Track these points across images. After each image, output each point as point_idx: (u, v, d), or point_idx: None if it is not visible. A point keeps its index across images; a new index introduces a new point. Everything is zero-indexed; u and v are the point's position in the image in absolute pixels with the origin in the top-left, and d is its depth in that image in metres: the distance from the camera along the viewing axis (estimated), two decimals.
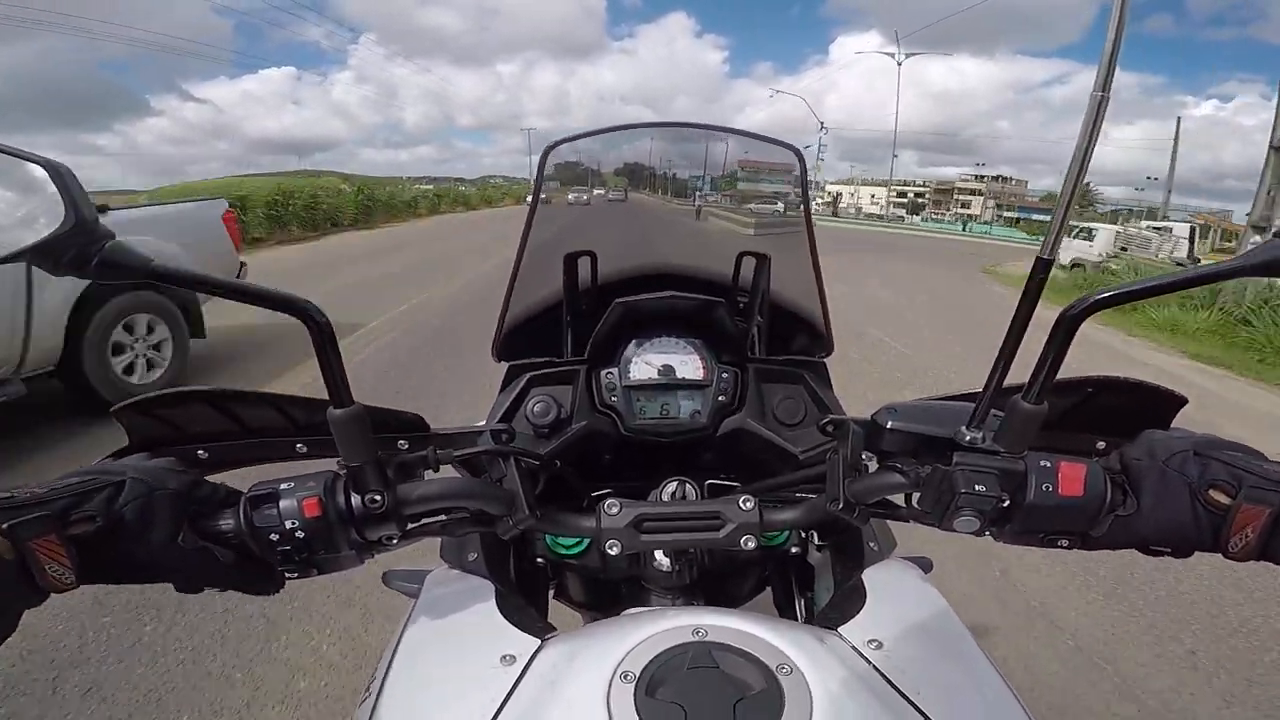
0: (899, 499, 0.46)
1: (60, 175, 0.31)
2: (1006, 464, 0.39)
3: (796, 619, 0.67)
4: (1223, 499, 0.37)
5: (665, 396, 0.68)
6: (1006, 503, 0.39)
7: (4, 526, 0.31)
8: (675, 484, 0.64)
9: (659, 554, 0.61)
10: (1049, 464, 0.39)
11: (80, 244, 0.31)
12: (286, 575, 0.42)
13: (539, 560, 0.66)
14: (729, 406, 0.67)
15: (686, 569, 0.61)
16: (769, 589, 0.73)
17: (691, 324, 0.70)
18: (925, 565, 0.60)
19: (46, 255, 0.31)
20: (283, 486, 0.40)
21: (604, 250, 0.75)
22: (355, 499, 0.41)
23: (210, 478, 0.42)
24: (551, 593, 0.72)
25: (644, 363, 0.68)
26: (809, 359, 0.71)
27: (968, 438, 0.40)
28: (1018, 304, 0.36)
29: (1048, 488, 0.39)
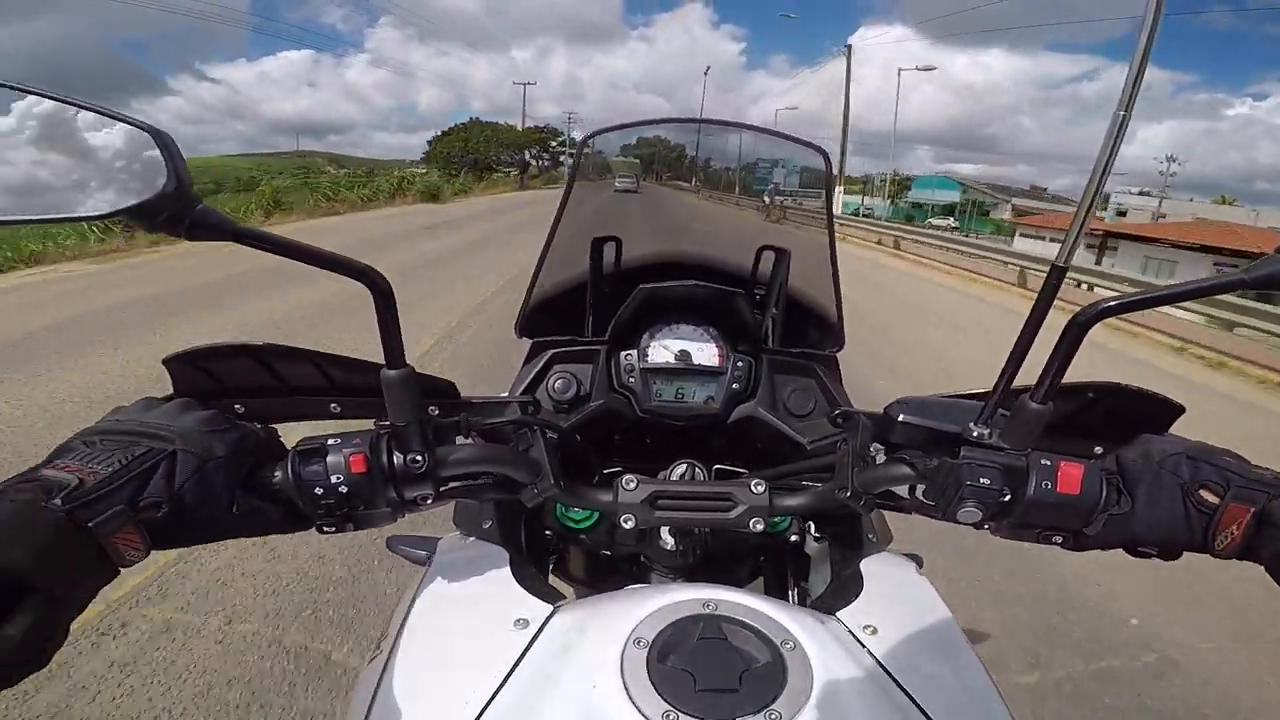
0: (903, 490, 0.48)
1: (164, 141, 0.33)
2: (1010, 460, 0.41)
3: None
4: (1211, 498, 0.39)
5: (680, 381, 0.71)
6: (1008, 497, 0.41)
7: (88, 525, 0.33)
8: (685, 466, 0.67)
9: (664, 533, 0.63)
10: (1049, 463, 0.41)
11: (175, 207, 0.33)
12: (324, 529, 0.44)
13: (547, 532, 0.69)
14: (741, 394, 0.70)
15: (690, 549, 0.64)
16: (761, 577, 0.76)
17: (710, 313, 0.73)
18: (918, 562, 0.62)
19: (144, 215, 0.33)
20: (330, 442, 0.42)
21: (629, 236, 0.78)
22: (398, 458, 0.43)
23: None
24: (551, 568, 0.74)
25: (662, 347, 0.71)
26: (821, 353, 0.73)
27: (975, 433, 0.42)
28: (1032, 307, 0.38)
29: (1047, 485, 0.41)
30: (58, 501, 0.32)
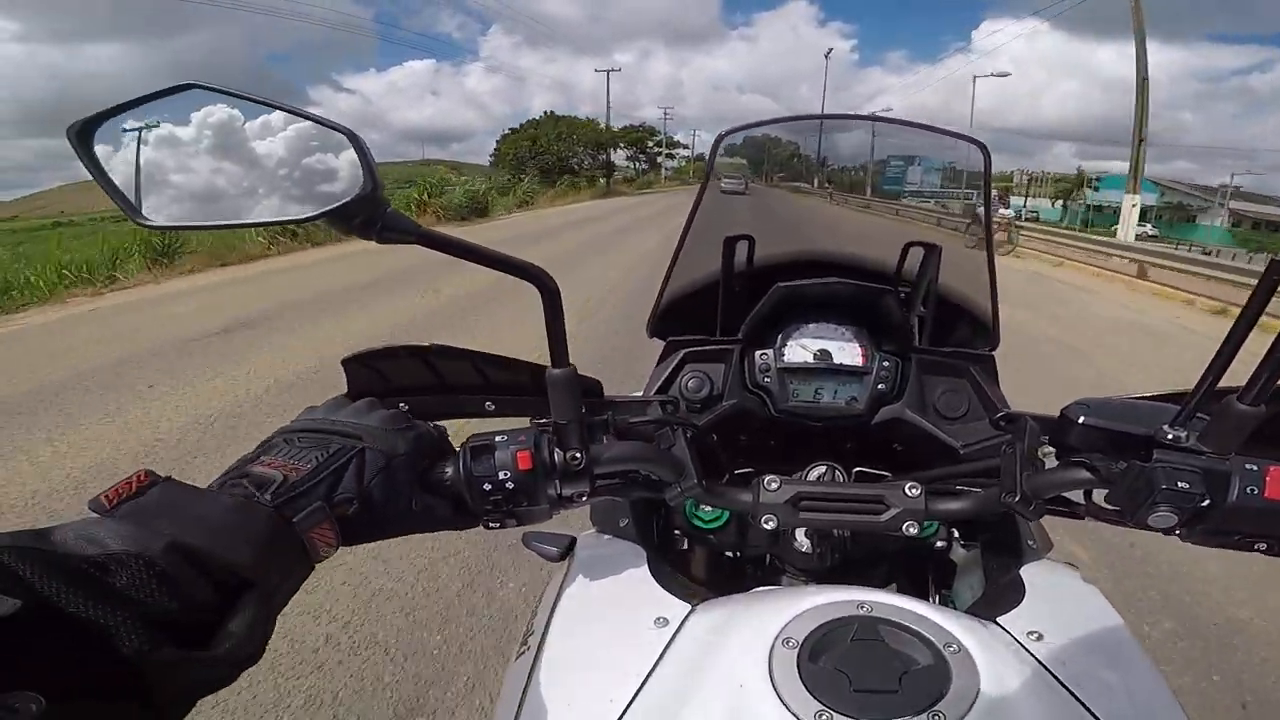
0: (1075, 496, 0.49)
1: (360, 145, 0.39)
2: (1211, 464, 0.42)
3: None
4: None
5: (819, 381, 0.74)
6: (1206, 503, 0.42)
7: (293, 520, 0.38)
8: (824, 468, 0.70)
9: (800, 535, 0.66)
10: (1256, 467, 0.42)
11: (370, 210, 0.38)
12: (489, 525, 0.51)
13: (676, 531, 0.74)
14: (887, 395, 0.73)
15: (827, 552, 0.66)
16: (894, 584, 0.77)
17: (852, 311, 0.76)
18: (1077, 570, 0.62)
19: (342, 217, 0.38)
20: (498, 439, 0.49)
21: (762, 235, 0.83)
22: (558, 455, 0.49)
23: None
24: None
25: (800, 346, 0.75)
26: (976, 352, 0.75)
27: (1170, 435, 0.43)
28: (1246, 302, 0.38)
29: (1253, 490, 0.41)
30: (268, 497, 0.37)
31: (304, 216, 0.41)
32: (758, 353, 0.75)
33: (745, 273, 0.83)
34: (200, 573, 0.32)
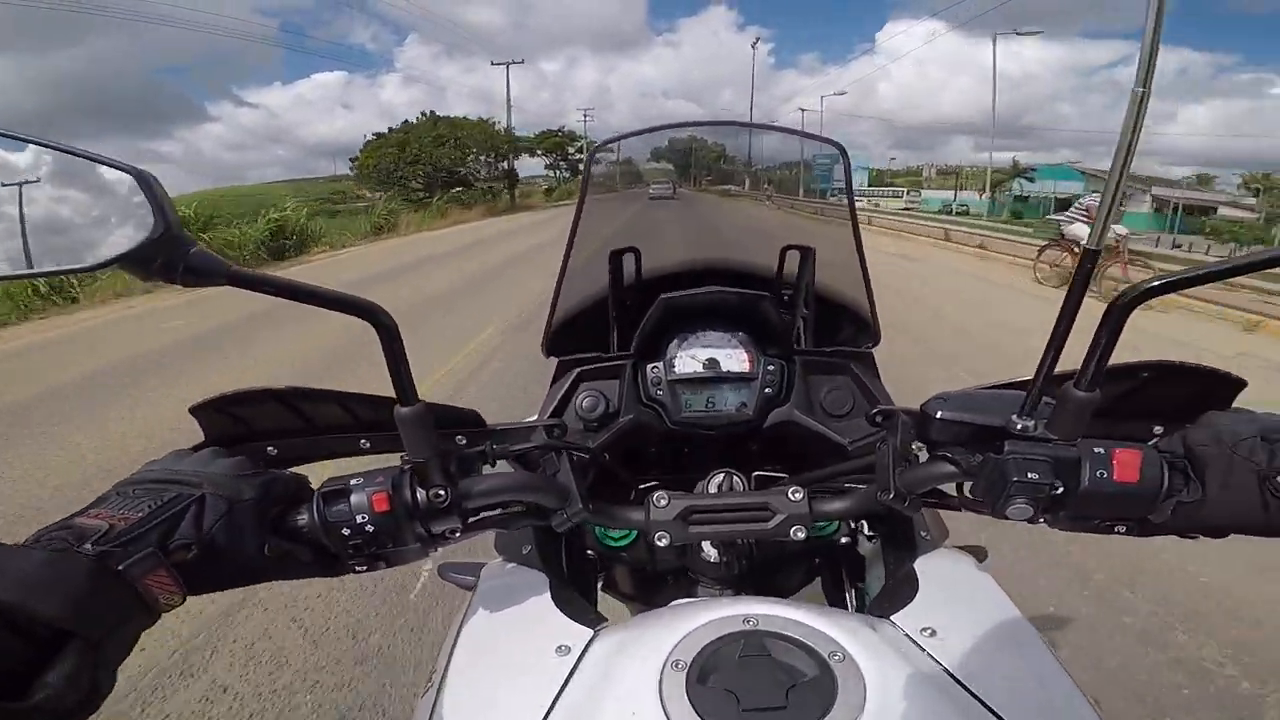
0: (950, 488, 0.53)
1: (148, 183, 0.39)
2: (1059, 451, 0.46)
3: (847, 609, 0.78)
4: None
5: (711, 390, 0.80)
6: (1060, 490, 0.46)
7: (119, 569, 0.39)
8: (722, 476, 0.75)
9: (707, 545, 0.71)
10: (1103, 450, 0.46)
11: (168, 251, 0.38)
12: (356, 569, 0.53)
13: (588, 552, 0.78)
14: (775, 399, 0.79)
15: (735, 560, 0.71)
16: (819, 580, 0.84)
17: (736, 317, 0.82)
18: (980, 555, 0.68)
19: (137, 263, 0.38)
20: (353, 482, 0.50)
21: (648, 246, 0.89)
22: (420, 494, 0.51)
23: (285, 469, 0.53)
24: (600, 585, 0.84)
25: (689, 357, 0.80)
26: (856, 350, 0.82)
27: (1019, 425, 0.47)
28: (1066, 292, 0.44)
29: (1102, 474, 0.45)
30: (88, 547, 0.39)
31: (93, 264, 0.41)
32: (649, 366, 0.81)
33: (635, 285, 0.88)
34: (8, 627, 0.34)
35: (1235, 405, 0.53)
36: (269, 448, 0.59)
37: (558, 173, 54.04)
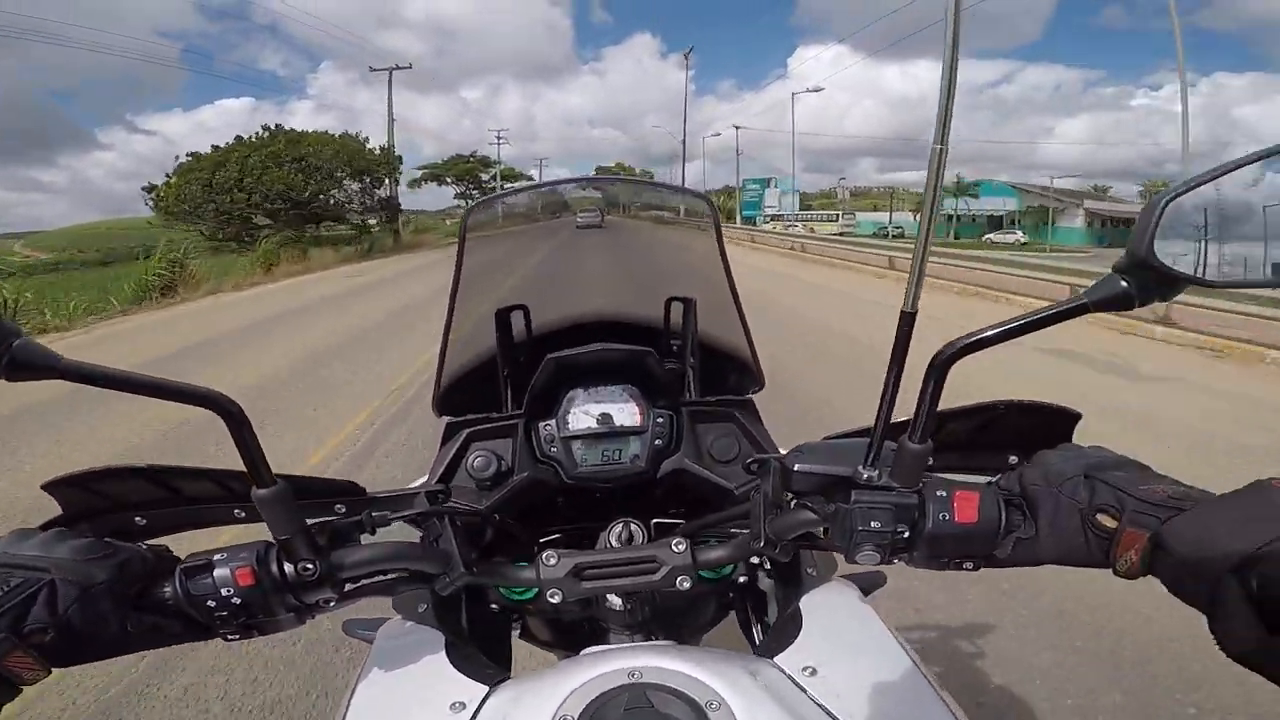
0: (819, 530, 0.61)
1: None
2: (902, 498, 0.54)
3: (755, 645, 0.87)
4: (1109, 523, 0.51)
5: (605, 443, 0.88)
6: (906, 533, 0.54)
7: None
8: (621, 526, 0.83)
9: (611, 595, 0.77)
10: (945, 493, 0.54)
11: None
12: (227, 637, 0.57)
13: (493, 606, 0.85)
14: (666, 449, 0.88)
15: (639, 607, 0.79)
16: (733, 613, 0.93)
17: (625, 371, 0.90)
18: (872, 581, 0.80)
19: None
20: (216, 557, 0.55)
21: (536, 302, 0.98)
22: (288, 568, 0.56)
23: (151, 541, 0.58)
24: (518, 632, 0.91)
25: (582, 413, 0.89)
26: (738, 398, 0.93)
27: (865, 476, 0.55)
28: (891, 353, 0.51)
29: (945, 516, 0.54)
30: None
31: None
32: (541, 424, 0.88)
33: (525, 342, 0.96)
34: None
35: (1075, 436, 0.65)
36: (137, 518, 0.64)
37: (469, 201, 52.07)
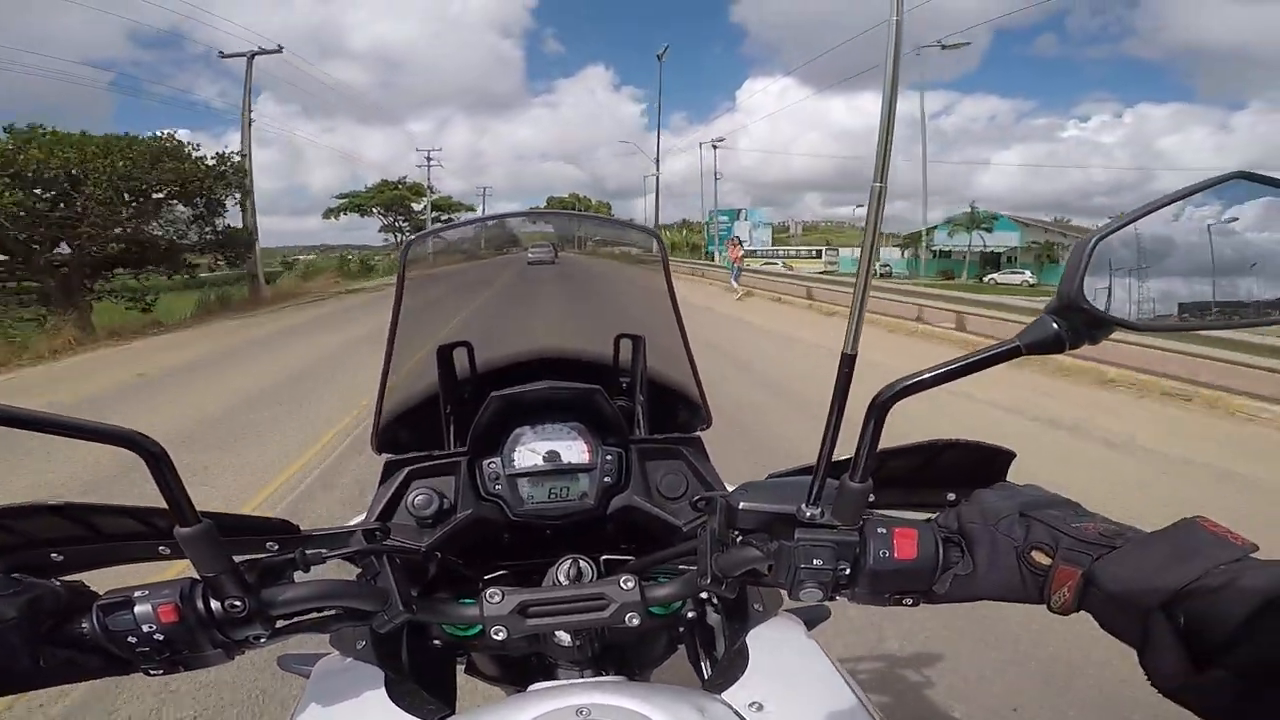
0: (764, 567, 0.67)
1: None
2: (843, 536, 0.60)
3: (704, 680, 0.93)
4: (1043, 560, 0.58)
5: (553, 480, 0.95)
6: (847, 570, 0.61)
7: None
8: (569, 563, 0.89)
9: (559, 631, 0.83)
10: (885, 530, 0.61)
11: None
12: (150, 672, 0.62)
13: (435, 642, 0.90)
14: (616, 485, 0.96)
15: (587, 643, 0.85)
16: (682, 647, 1.01)
17: (573, 408, 0.98)
18: (817, 615, 0.89)
19: None
20: (137, 594, 0.60)
21: (480, 338, 1.06)
22: (215, 604, 0.61)
23: (68, 577, 0.63)
24: (463, 667, 0.97)
25: (529, 450, 0.96)
26: (686, 435, 1.02)
27: (808, 514, 0.61)
28: (832, 395, 0.57)
29: (884, 554, 0.61)
30: None
31: None
32: (486, 462, 0.95)
33: (469, 379, 1.05)
34: None
35: (1009, 474, 0.73)
36: (53, 554, 0.68)
37: (398, 235, 50.43)
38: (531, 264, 1.39)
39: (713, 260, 40.84)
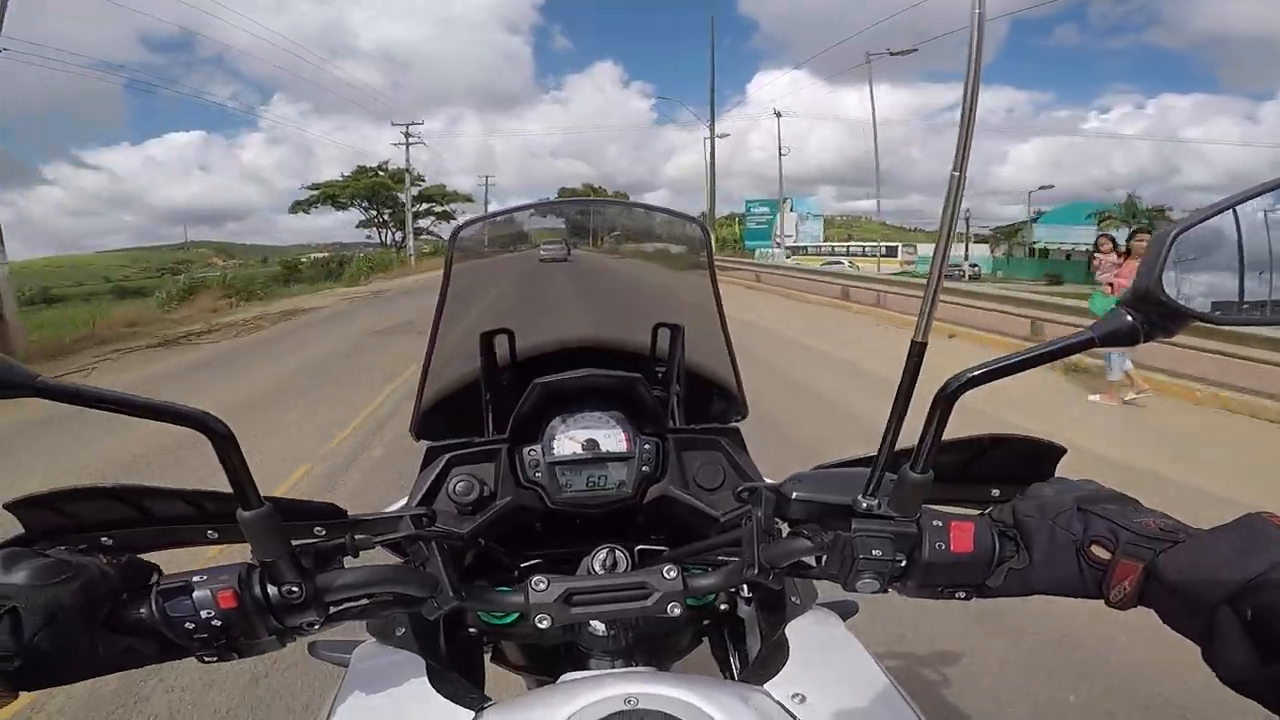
0: (812, 559, 0.76)
1: None
2: (901, 527, 0.69)
3: (732, 672, 1.06)
4: (1103, 554, 0.65)
5: (591, 469, 1.07)
6: (904, 562, 0.69)
7: None
8: (605, 552, 1.02)
9: (594, 621, 0.93)
10: (941, 523, 0.69)
11: None
12: (205, 658, 0.69)
13: (471, 630, 1.02)
14: (653, 475, 1.07)
15: (622, 633, 0.96)
16: (706, 640, 1.14)
17: (612, 397, 1.09)
18: (849, 609, 0.98)
19: None
20: (195, 579, 0.68)
21: (522, 326, 1.20)
22: (272, 590, 0.69)
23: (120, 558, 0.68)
24: (489, 655, 1.09)
25: (568, 438, 1.08)
26: (724, 425, 1.14)
27: (864, 505, 0.69)
28: (900, 382, 0.64)
29: (941, 546, 0.68)
30: None
31: None
32: (526, 449, 1.07)
33: (509, 367, 1.18)
34: None
35: (1059, 471, 0.81)
36: (104, 538, 0.76)
37: (383, 232, 49.74)
38: (544, 260, 1.53)
39: (753, 257, 39.86)
